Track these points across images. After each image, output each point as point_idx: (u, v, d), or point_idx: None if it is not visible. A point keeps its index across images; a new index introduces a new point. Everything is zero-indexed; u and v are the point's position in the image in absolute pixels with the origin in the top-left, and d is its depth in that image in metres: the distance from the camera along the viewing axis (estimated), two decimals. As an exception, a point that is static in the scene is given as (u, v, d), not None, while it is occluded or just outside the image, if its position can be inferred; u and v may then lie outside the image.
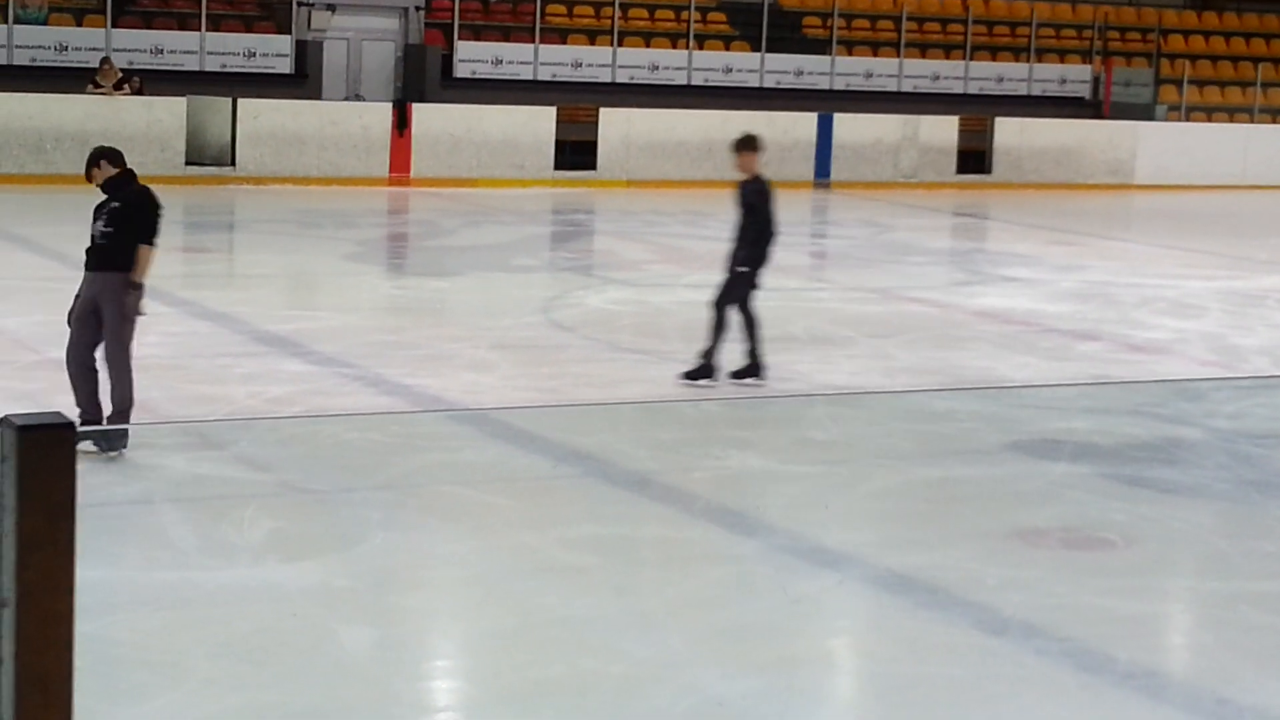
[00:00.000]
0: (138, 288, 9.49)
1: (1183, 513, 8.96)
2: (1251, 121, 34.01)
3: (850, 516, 8.71)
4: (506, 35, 29.98)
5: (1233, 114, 34.35)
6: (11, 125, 24.16)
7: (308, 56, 27.88)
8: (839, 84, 31.67)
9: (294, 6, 27.93)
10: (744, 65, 31.13)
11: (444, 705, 6.44)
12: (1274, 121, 34.45)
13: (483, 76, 29.17)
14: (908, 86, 32.30)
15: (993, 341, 14.51)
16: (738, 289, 12.24)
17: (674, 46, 30.93)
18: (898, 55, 32.43)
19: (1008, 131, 30.66)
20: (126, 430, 9.20)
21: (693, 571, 7.78)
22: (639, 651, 6.63)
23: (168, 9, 27.77)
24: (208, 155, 25.41)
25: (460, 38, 29.18)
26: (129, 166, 10.18)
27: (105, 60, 25.28)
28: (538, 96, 28.32)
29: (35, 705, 2.82)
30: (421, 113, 26.65)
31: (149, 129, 24.73)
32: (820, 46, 31.97)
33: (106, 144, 10.56)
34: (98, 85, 24.81)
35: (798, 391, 12.17)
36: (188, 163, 25.02)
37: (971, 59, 33.02)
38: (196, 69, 27.11)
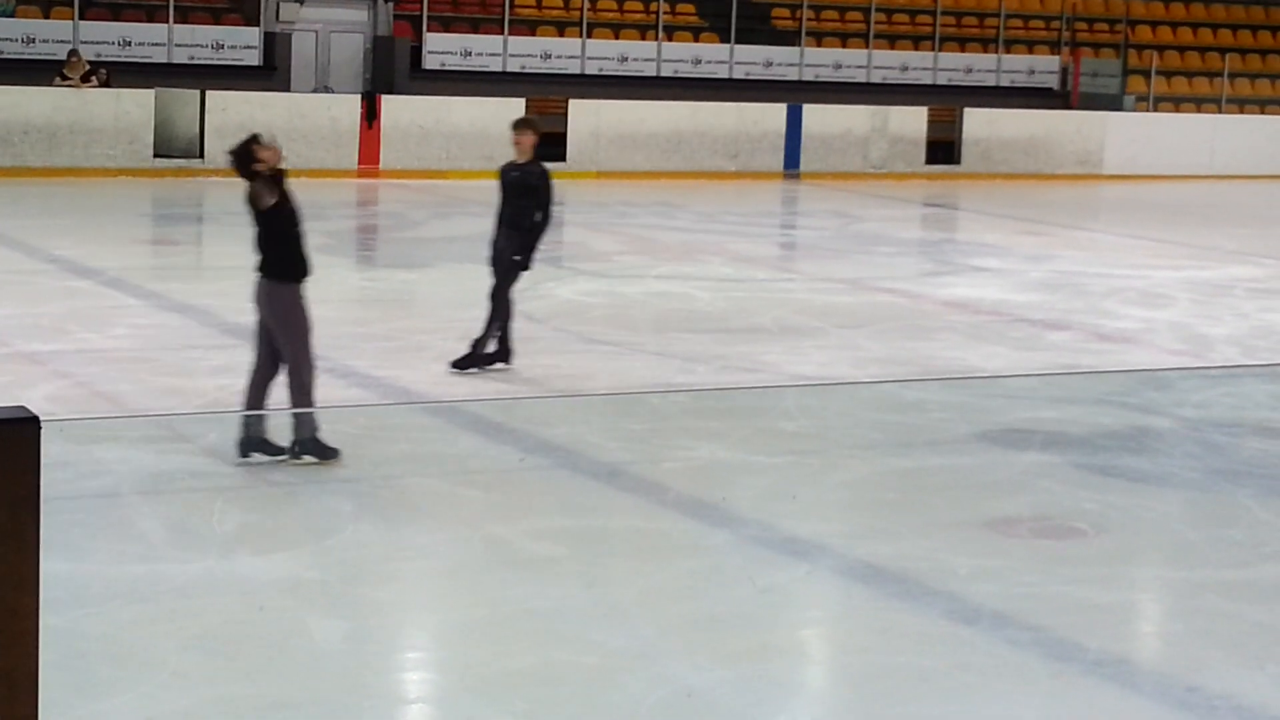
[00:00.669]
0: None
1: (1152, 502, 8.99)
2: (1219, 112, 34.11)
3: (820, 507, 8.72)
4: (475, 27, 29.93)
5: (1200, 104, 34.44)
6: (-22, 118, 24.04)
7: (276, 48, 27.79)
8: (808, 75, 31.67)
9: (262, -2, 27.85)
10: (713, 56, 31.11)
11: (415, 696, 6.43)
12: (1241, 112, 34.55)
13: (451, 68, 29.10)
14: (876, 78, 32.32)
15: (962, 332, 14.53)
16: (513, 277, 12.09)
17: (643, 38, 30.90)
18: (866, 46, 32.45)
19: (976, 122, 30.70)
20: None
21: (663, 562, 7.78)
22: (610, 642, 6.63)
23: (135, 1, 27.64)
24: (176, 147, 25.30)
25: (429, 29, 29.12)
26: None
27: (73, 52, 25.16)
28: (507, 88, 28.26)
29: (1, 700, 2.80)
30: (390, 104, 26.58)
31: (117, 121, 24.62)
32: (789, 38, 31.97)
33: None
34: (65, 78, 24.69)
35: (767, 383, 12.17)
36: (156, 155, 24.90)
37: (940, 50, 33.05)
38: (164, 61, 26.99)
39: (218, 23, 27.79)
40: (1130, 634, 7.32)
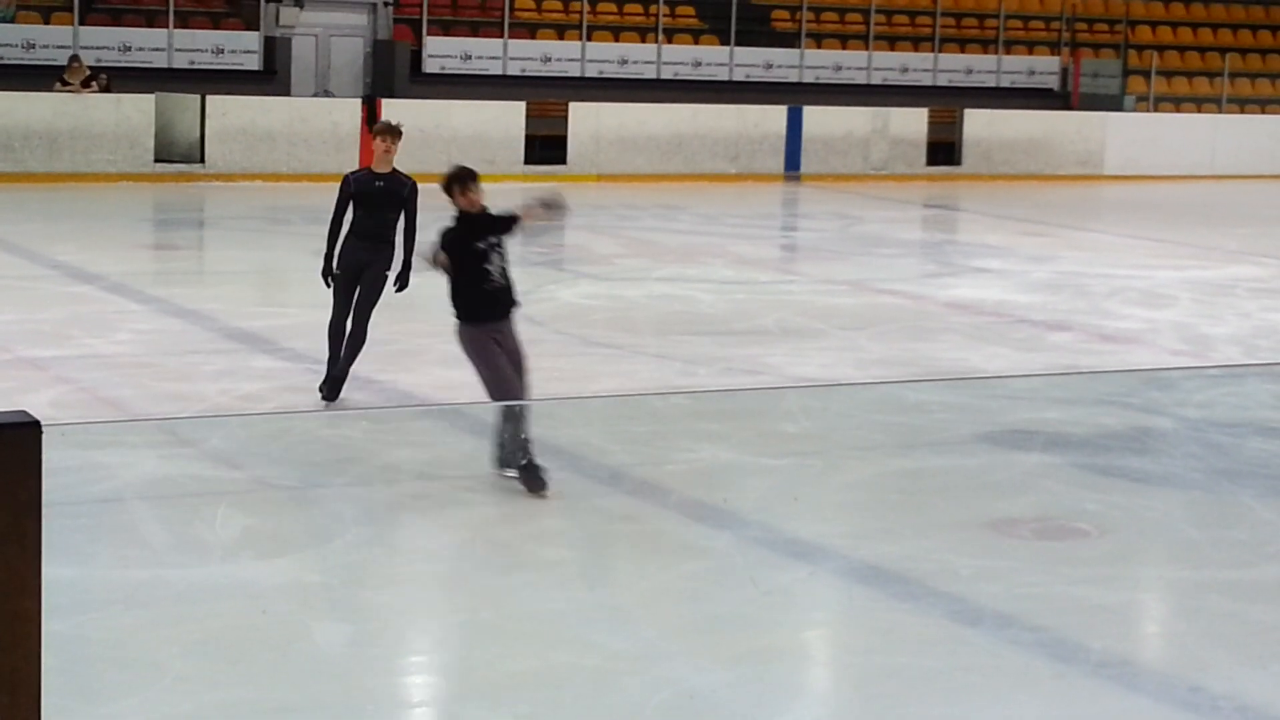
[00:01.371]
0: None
1: (1155, 502, 8.98)
2: (1219, 112, 34.11)
3: (823, 508, 8.72)
4: (475, 30, 29.93)
5: (1201, 104, 34.44)
6: (-21, 124, 24.05)
7: (276, 53, 27.80)
8: (808, 77, 31.67)
9: (262, 3, 27.84)
10: (713, 59, 31.11)
11: (418, 700, 6.43)
12: (1242, 111, 34.54)
13: (452, 72, 29.10)
14: (877, 79, 32.32)
15: (964, 333, 14.53)
16: (378, 296, 11.46)
17: (643, 41, 30.90)
18: (867, 48, 32.45)
19: (977, 123, 30.70)
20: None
21: (665, 564, 7.77)
22: (612, 644, 6.63)
23: (135, 6, 27.65)
24: (177, 152, 25.31)
25: (429, 33, 29.12)
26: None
27: (74, 58, 25.16)
28: (507, 91, 28.28)
29: (2, 705, 2.80)
30: (391, 108, 26.57)
31: (118, 126, 24.63)
32: (789, 39, 31.97)
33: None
34: (65, 83, 24.70)
35: (769, 384, 12.16)
36: (156, 160, 24.91)
37: (940, 51, 33.05)
38: (165, 66, 27.00)
39: (218, 28, 27.80)
40: (1133, 634, 7.31)
